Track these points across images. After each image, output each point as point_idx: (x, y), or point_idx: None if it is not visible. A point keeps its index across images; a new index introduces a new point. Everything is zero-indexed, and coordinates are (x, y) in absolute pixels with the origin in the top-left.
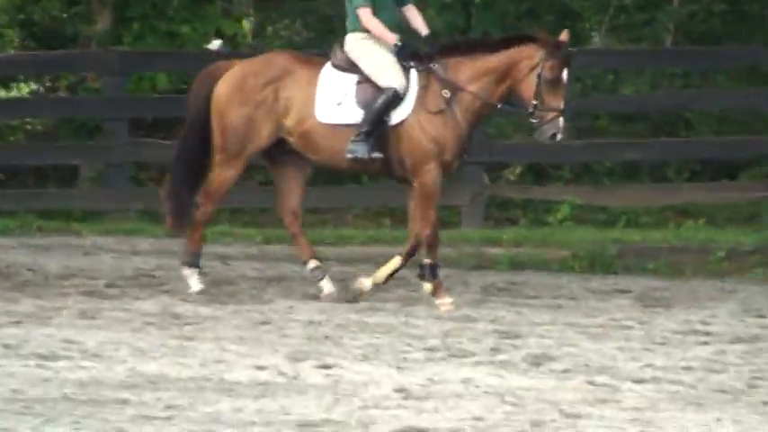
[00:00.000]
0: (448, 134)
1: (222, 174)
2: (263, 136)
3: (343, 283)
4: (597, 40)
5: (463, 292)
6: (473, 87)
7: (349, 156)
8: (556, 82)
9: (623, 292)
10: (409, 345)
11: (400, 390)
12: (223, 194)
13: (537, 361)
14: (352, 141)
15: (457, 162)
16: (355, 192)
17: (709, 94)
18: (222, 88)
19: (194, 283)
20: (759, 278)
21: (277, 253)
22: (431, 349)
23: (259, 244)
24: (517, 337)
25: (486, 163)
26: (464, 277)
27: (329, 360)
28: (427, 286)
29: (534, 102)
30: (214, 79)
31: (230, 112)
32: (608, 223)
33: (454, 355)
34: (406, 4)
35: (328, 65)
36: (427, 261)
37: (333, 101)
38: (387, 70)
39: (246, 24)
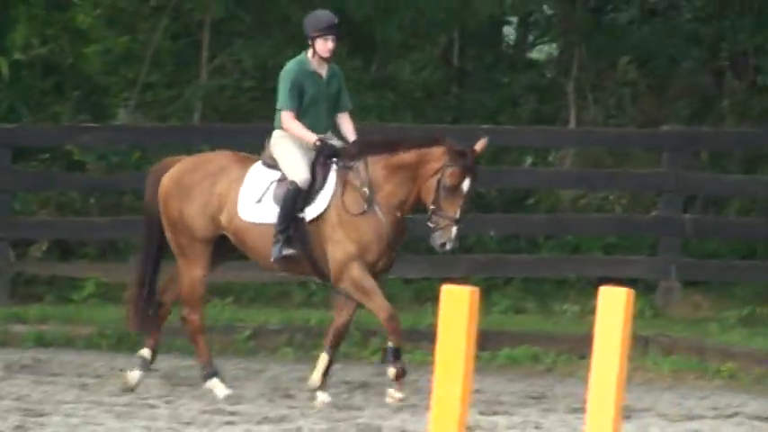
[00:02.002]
0: (369, 235)
1: (190, 276)
2: (201, 230)
3: None
4: (124, 117)
5: None
6: (389, 185)
7: (271, 258)
8: (454, 190)
9: (151, 370)
10: None
11: None
12: (202, 295)
13: None
14: (273, 242)
15: (383, 261)
16: None
17: None
18: (164, 183)
19: (221, 390)
20: (288, 358)
21: None
22: None
23: None
24: (42, 415)
25: (11, 239)
26: None
27: None
28: (391, 371)
29: (432, 207)
30: (160, 175)
31: (171, 206)
32: None
33: None
34: (342, 111)
35: (259, 162)
36: (390, 345)
37: (253, 198)
38: (294, 165)
39: None
